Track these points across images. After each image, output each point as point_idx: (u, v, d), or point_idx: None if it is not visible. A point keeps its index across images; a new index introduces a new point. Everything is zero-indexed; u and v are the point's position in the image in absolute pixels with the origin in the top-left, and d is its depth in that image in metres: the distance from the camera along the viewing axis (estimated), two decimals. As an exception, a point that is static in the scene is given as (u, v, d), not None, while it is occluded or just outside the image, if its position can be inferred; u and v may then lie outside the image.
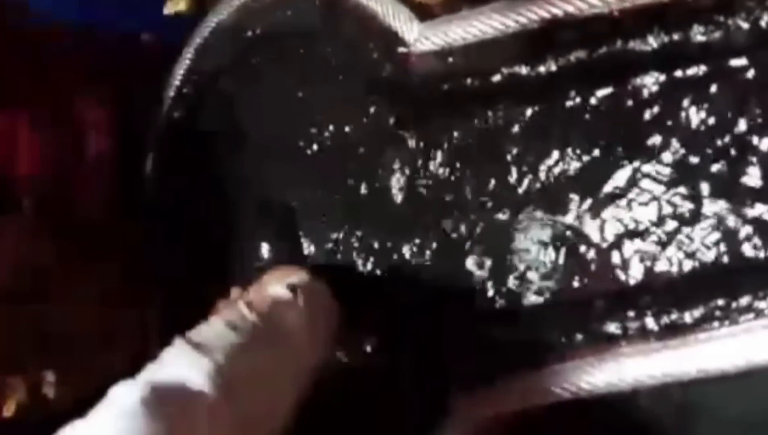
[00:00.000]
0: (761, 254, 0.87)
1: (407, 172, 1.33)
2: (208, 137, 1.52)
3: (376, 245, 1.37)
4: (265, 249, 1.54)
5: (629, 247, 0.98)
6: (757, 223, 0.87)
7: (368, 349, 1.30)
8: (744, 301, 0.84)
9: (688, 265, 0.91)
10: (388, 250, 1.33)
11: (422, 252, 1.29)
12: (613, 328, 0.94)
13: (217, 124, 1.52)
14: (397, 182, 1.36)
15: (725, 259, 0.89)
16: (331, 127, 1.46)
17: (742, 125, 0.87)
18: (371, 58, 1.32)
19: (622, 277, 0.97)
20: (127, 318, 1.44)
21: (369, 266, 1.37)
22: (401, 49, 1.25)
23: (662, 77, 0.93)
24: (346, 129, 1.43)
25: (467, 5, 1.16)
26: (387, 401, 1.20)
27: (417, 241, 1.30)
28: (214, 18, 1.49)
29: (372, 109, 1.35)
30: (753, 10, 0.79)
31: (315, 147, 1.48)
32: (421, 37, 1.22)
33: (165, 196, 1.53)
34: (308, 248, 1.49)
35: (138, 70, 1.57)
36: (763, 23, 0.80)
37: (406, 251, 1.32)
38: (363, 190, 1.41)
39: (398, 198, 1.36)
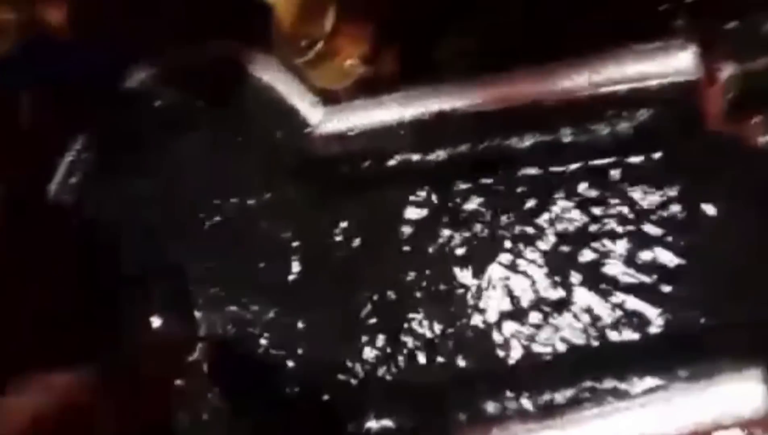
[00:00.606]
0: (625, 338, 0.94)
1: (306, 247, 1.36)
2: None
3: (272, 317, 1.37)
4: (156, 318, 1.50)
5: (508, 328, 1.03)
6: (621, 309, 0.94)
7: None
8: (609, 383, 0.89)
9: (560, 348, 0.97)
10: (283, 324, 1.34)
11: (317, 327, 1.30)
12: (492, 408, 0.97)
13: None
14: (295, 257, 1.39)
15: (593, 342, 0.95)
16: (234, 200, 1.48)
17: (606, 219, 0.96)
18: (276, 136, 1.37)
19: (502, 357, 1.02)
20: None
21: (264, 339, 1.37)
22: (305, 130, 1.31)
23: (539, 171, 1.01)
24: (249, 202, 1.46)
25: (368, 94, 1.23)
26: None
27: (312, 316, 1.32)
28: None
29: (275, 185, 1.39)
30: (612, 118, 0.90)
31: (217, 219, 1.49)
32: (324, 121, 1.28)
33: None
34: (204, 318, 1.47)
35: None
36: (620, 130, 0.90)
37: (301, 325, 1.33)
38: (262, 263, 1.42)
39: (296, 272, 1.38)
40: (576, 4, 0.93)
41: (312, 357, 1.29)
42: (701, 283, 0.87)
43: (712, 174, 0.87)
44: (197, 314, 1.47)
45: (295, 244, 1.37)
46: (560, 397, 0.93)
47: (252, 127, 1.42)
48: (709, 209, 0.87)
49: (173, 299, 1.50)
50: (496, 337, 1.04)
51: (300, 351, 1.30)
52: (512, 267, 1.04)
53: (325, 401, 1.22)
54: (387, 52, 1.19)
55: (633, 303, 0.90)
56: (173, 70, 1.47)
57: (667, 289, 0.89)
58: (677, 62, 0.82)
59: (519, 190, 1.05)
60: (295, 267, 1.37)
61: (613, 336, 0.95)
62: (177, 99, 1.49)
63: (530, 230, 1.03)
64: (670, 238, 0.90)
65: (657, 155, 0.89)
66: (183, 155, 1.51)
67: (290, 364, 1.32)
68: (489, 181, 1.07)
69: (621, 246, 0.97)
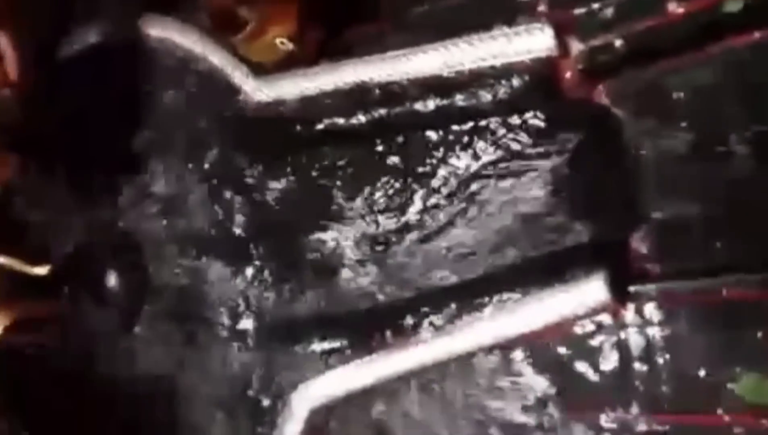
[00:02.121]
0: (504, 257, 1.20)
1: (246, 205, 1.53)
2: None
3: (221, 268, 1.55)
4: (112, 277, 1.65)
5: (416, 260, 1.28)
6: (498, 233, 1.20)
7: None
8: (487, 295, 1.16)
9: (457, 270, 1.23)
10: (228, 276, 1.51)
11: (261, 278, 1.49)
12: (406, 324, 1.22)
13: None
14: (236, 214, 1.56)
15: (480, 263, 1.22)
16: (175, 162, 1.62)
17: (492, 164, 1.21)
18: (213, 105, 1.52)
19: (411, 284, 1.26)
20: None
21: (209, 290, 1.54)
22: (240, 98, 1.46)
23: (440, 130, 1.24)
24: (190, 167, 1.61)
25: (296, 65, 1.40)
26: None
27: (254, 268, 1.50)
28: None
29: (214, 151, 1.55)
30: (493, 85, 1.13)
31: (162, 185, 1.64)
32: (257, 90, 1.44)
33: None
34: (156, 276, 1.62)
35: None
36: (500, 93, 1.14)
37: (249, 274, 1.51)
38: (206, 223, 1.58)
39: (237, 230, 1.55)
40: None
41: (263, 299, 1.48)
42: (561, 211, 1.14)
43: (569, 128, 1.12)
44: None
45: (236, 202, 1.54)
46: (450, 310, 1.19)
47: (189, 97, 1.56)
48: (567, 154, 1.13)
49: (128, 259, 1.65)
50: (407, 268, 1.28)
51: (251, 297, 1.49)
52: (425, 210, 1.28)
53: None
54: (310, 31, 1.36)
55: (508, 228, 1.16)
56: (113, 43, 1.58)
57: (535, 216, 1.15)
58: (539, 41, 1.06)
59: (425, 145, 1.28)
60: (238, 221, 1.55)
61: (494, 256, 1.20)
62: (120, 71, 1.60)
63: (435, 176, 1.27)
64: (540, 175, 1.16)
65: (528, 115, 1.13)
66: (127, 125, 1.64)
67: (246, 304, 1.50)
68: (401, 139, 1.29)
69: (506, 183, 1.22)
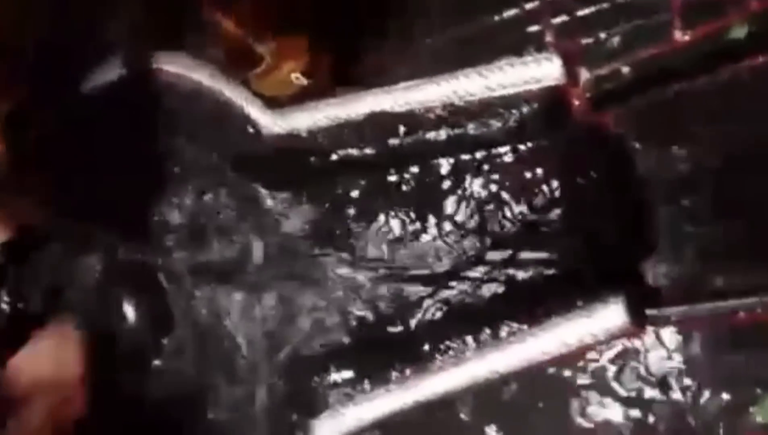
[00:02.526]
0: (519, 280, 1.21)
1: (263, 237, 1.56)
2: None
3: (237, 300, 1.57)
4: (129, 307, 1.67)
5: (439, 291, 1.30)
6: (514, 262, 1.22)
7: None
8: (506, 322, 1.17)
9: (468, 300, 1.24)
10: (248, 308, 1.54)
11: (279, 309, 1.51)
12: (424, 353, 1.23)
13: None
14: (255, 242, 1.59)
15: (495, 289, 1.23)
16: (192, 197, 1.66)
17: (503, 191, 1.23)
18: (230, 139, 1.55)
19: (429, 313, 1.28)
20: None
21: (229, 321, 1.57)
22: (256, 132, 1.50)
23: (451, 158, 1.27)
24: (206, 198, 1.64)
25: (309, 99, 1.44)
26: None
27: (273, 296, 1.52)
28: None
29: (231, 180, 1.58)
30: (504, 114, 1.15)
31: (177, 216, 1.67)
32: (272, 123, 1.47)
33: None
34: (175, 309, 1.65)
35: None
36: (511, 122, 1.16)
37: (268, 304, 1.54)
38: (227, 251, 1.61)
39: (258, 258, 1.58)
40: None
41: (281, 330, 1.50)
42: (576, 237, 1.15)
43: (579, 154, 1.14)
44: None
45: (254, 231, 1.58)
46: (468, 338, 1.20)
47: (208, 131, 1.60)
48: (578, 180, 1.15)
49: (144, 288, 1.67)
50: (422, 296, 1.30)
51: (269, 328, 1.51)
52: (435, 237, 1.30)
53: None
54: (321, 64, 1.40)
55: (522, 254, 1.18)
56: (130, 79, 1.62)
57: (549, 242, 1.17)
58: (547, 70, 1.08)
59: (437, 174, 1.30)
60: (257, 251, 1.58)
61: (510, 283, 1.22)
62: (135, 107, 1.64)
63: (448, 204, 1.29)
64: (552, 202, 1.18)
65: (537, 144, 1.15)
66: (144, 160, 1.68)
67: (260, 337, 1.52)
68: (415, 169, 1.32)
69: (518, 209, 1.24)
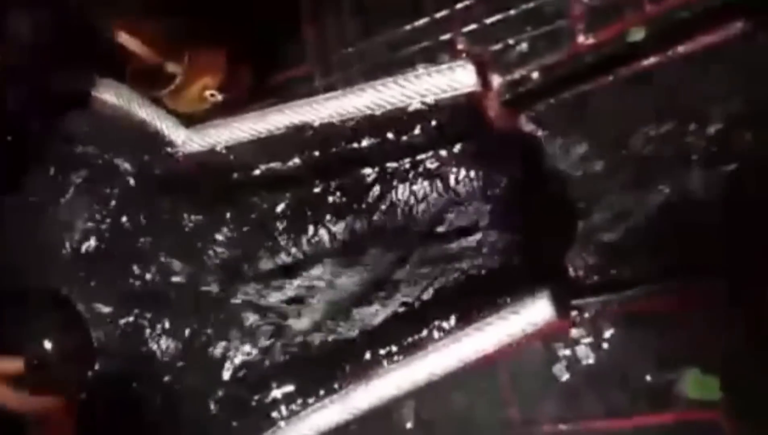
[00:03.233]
0: (451, 280, 1.24)
1: (185, 254, 1.53)
2: None
3: (166, 325, 1.53)
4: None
5: (370, 294, 1.31)
6: (443, 260, 1.25)
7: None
8: (446, 321, 1.20)
9: (405, 300, 1.26)
10: (179, 330, 1.50)
11: (206, 330, 1.48)
12: (365, 358, 1.24)
13: None
14: (178, 266, 1.55)
15: (428, 290, 1.26)
16: (108, 222, 1.60)
17: (429, 195, 1.26)
18: (142, 158, 1.51)
19: (368, 315, 1.29)
20: None
21: (159, 344, 1.52)
22: (170, 150, 1.46)
23: (376, 167, 1.28)
24: (123, 220, 1.59)
25: (224, 114, 1.42)
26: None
27: (196, 319, 1.49)
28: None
29: (152, 203, 1.53)
30: (423, 121, 1.18)
31: (93, 242, 1.61)
32: (188, 140, 1.44)
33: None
34: (96, 334, 1.59)
35: None
36: (430, 128, 1.19)
37: (195, 324, 1.50)
38: (147, 275, 1.56)
39: (179, 278, 1.54)
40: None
41: (212, 351, 1.47)
42: (500, 236, 1.20)
43: (497, 153, 1.19)
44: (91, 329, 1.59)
45: (174, 252, 1.53)
46: (405, 342, 1.22)
47: (122, 153, 1.54)
48: (499, 181, 1.19)
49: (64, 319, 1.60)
50: (360, 304, 1.31)
51: (197, 349, 1.48)
52: (366, 246, 1.31)
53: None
54: (239, 78, 1.38)
55: (451, 257, 1.21)
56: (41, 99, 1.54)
57: (476, 243, 1.21)
58: (462, 77, 1.12)
59: (363, 182, 1.31)
60: (176, 268, 1.54)
61: (442, 285, 1.25)
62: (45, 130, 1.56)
63: (377, 212, 1.31)
64: (476, 203, 1.22)
65: (458, 147, 1.19)
66: (57, 183, 1.60)
67: (187, 359, 1.49)
68: (340, 178, 1.33)
69: (446, 214, 1.27)
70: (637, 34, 1.01)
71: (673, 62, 1.02)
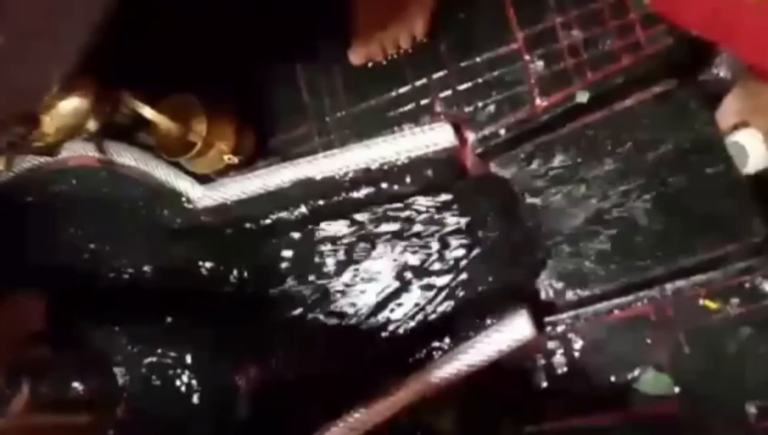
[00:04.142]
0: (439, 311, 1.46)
1: (202, 300, 1.72)
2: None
3: (189, 362, 1.71)
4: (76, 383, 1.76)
5: (372, 320, 1.52)
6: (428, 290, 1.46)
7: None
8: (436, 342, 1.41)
9: (404, 326, 1.47)
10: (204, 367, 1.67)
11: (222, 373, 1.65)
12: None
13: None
14: (196, 308, 1.74)
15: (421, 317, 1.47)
16: (131, 270, 1.79)
17: (415, 237, 1.48)
18: (163, 213, 1.70)
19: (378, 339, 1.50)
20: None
21: (183, 383, 1.69)
22: (188, 205, 1.66)
23: (371, 213, 1.51)
24: (145, 269, 1.78)
25: (235, 172, 1.62)
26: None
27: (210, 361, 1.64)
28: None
29: (169, 253, 1.73)
30: (411, 172, 1.41)
31: (115, 289, 1.79)
32: (204, 196, 1.64)
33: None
34: (123, 377, 1.76)
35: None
36: (418, 178, 1.42)
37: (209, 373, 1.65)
38: (168, 318, 1.75)
39: (197, 321, 1.73)
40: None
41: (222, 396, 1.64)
42: (482, 265, 1.42)
43: (476, 198, 1.42)
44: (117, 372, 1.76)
45: (194, 299, 1.72)
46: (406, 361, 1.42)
47: (137, 209, 1.73)
48: (479, 223, 1.42)
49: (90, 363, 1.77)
50: (365, 328, 1.52)
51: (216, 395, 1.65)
52: (366, 277, 1.53)
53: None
54: (246, 140, 1.59)
55: (440, 282, 1.43)
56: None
57: (460, 270, 1.43)
58: (442, 135, 1.35)
59: (361, 225, 1.53)
60: (196, 318, 1.72)
61: (431, 312, 1.47)
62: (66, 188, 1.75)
63: (374, 249, 1.52)
64: (459, 238, 1.44)
65: (442, 194, 1.42)
66: (80, 236, 1.79)
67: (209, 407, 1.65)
68: (341, 223, 1.55)
69: (432, 248, 1.49)
70: (583, 96, 1.26)
71: (613, 116, 1.26)
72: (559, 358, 1.30)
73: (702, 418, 1.16)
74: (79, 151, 1.59)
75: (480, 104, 1.30)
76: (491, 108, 1.29)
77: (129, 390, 1.71)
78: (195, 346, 1.63)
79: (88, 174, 1.64)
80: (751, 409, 1.13)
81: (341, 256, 1.46)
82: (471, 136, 1.31)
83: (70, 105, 1.28)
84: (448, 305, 1.38)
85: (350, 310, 1.47)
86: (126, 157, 1.62)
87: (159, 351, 1.67)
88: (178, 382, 1.66)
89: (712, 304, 1.17)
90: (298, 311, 1.51)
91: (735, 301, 1.14)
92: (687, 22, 0.92)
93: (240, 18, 1.44)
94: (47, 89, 1.03)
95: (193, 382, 1.64)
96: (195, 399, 1.62)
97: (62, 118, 1.31)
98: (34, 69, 0.91)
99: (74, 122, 1.33)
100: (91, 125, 1.34)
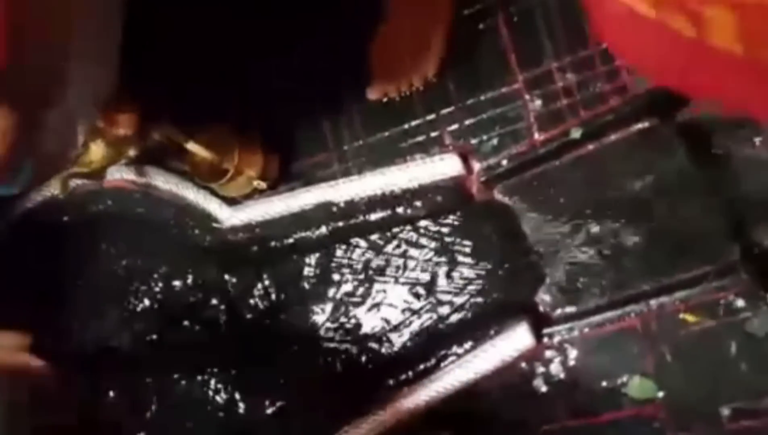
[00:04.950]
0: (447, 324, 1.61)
1: (229, 311, 1.87)
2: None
3: (215, 370, 1.86)
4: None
5: (384, 335, 1.67)
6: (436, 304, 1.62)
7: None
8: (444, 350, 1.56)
9: (412, 338, 1.63)
10: (218, 382, 1.79)
11: (246, 386, 1.77)
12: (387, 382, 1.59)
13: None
14: (222, 319, 1.90)
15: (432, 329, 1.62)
16: (161, 285, 1.95)
17: (425, 256, 1.64)
18: (193, 232, 1.86)
19: (390, 351, 1.65)
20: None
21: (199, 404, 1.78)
22: (216, 225, 1.82)
23: (384, 233, 1.67)
24: (175, 283, 1.94)
25: (259, 195, 1.79)
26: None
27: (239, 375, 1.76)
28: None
29: (198, 268, 1.89)
30: (422, 198, 1.57)
31: (146, 302, 1.95)
32: (231, 217, 1.81)
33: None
34: (153, 396, 1.91)
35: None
36: (428, 204, 1.58)
37: (235, 381, 1.78)
38: (196, 329, 1.91)
39: (223, 331, 1.89)
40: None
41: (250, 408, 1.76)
42: (489, 281, 1.58)
43: (482, 222, 1.58)
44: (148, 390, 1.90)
45: (221, 309, 1.88)
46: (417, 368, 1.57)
47: (167, 229, 1.89)
48: (484, 243, 1.58)
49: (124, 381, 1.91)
50: (377, 349, 1.67)
51: (240, 406, 1.78)
52: (380, 291, 1.68)
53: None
54: (271, 165, 1.76)
55: (449, 297, 1.59)
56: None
57: (467, 286, 1.59)
58: (450, 165, 1.51)
59: (376, 245, 1.70)
60: (221, 321, 1.88)
61: (442, 323, 1.62)
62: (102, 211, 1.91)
63: (388, 267, 1.69)
64: (465, 257, 1.60)
65: (450, 218, 1.58)
66: (112, 254, 1.95)
67: (235, 415, 1.78)
68: (357, 242, 1.71)
69: (442, 266, 1.66)
70: (576, 133, 1.42)
71: (603, 149, 1.43)
72: (556, 366, 1.45)
73: (682, 419, 1.31)
74: (115, 175, 1.74)
75: (484, 137, 1.47)
76: (494, 141, 1.46)
77: (157, 396, 1.84)
78: (221, 358, 1.76)
79: (123, 195, 1.78)
80: (725, 411, 1.28)
81: (358, 273, 1.62)
82: (476, 166, 1.47)
83: (116, 134, 1.43)
84: (455, 318, 1.54)
85: (364, 322, 1.62)
86: (159, 180, 1.77)
87: (186, 364, 1.81)
88: (202, 395, 1.78)
89: (691, 318, 1.32)
90: (316, 323, 1.66)
91: (711, 315, 1.30)
92: (662, 82, 1.08)
93: (268, 56, 1.61)
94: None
95: (218, 398, 1.75)
96: (221, 414, 1.74)
97: (108, 146, 1.46)
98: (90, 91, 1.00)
99: (119, 150, 1.49)
100: (131, 152, 1.50)
